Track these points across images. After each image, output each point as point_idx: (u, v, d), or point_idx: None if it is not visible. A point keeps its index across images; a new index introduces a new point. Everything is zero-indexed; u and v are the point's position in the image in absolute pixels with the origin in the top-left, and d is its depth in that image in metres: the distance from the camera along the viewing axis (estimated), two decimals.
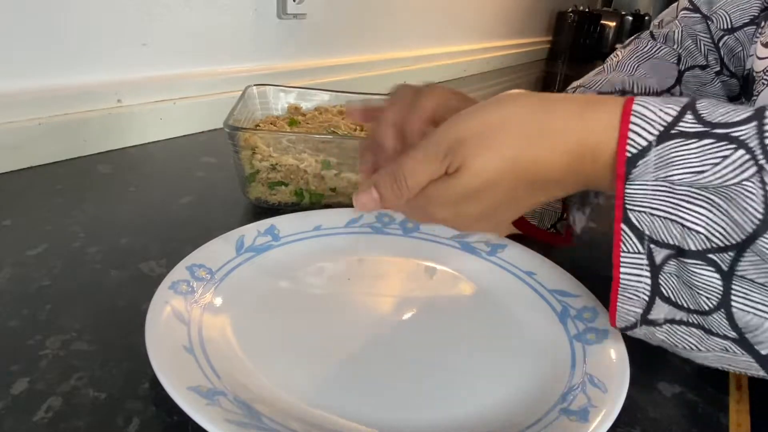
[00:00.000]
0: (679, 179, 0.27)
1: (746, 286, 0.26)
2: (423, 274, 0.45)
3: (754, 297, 0.26)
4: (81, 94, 0.63)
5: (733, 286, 0.26)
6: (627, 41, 0.59)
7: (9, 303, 0.37)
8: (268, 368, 0.32)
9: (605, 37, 2.14)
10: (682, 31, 0.54)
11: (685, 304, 0.28)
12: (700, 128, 0.26)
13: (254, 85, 0.63)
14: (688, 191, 0.27)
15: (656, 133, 0.27)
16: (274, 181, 0.52)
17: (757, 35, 0.47)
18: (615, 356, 0.34)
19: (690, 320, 0.29)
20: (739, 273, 0.26)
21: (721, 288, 0.27)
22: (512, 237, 0.48)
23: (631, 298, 0.29)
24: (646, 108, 0.28)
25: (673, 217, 0.27)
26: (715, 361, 0.30)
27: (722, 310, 0.27)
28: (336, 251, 0.46)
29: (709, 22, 0.53)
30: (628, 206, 0.28)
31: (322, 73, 0.97)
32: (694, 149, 0.26)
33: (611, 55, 0.57)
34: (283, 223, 0.47)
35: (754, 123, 0.26)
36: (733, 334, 0.27)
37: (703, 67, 0.53)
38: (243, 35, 0.83)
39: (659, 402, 0.34)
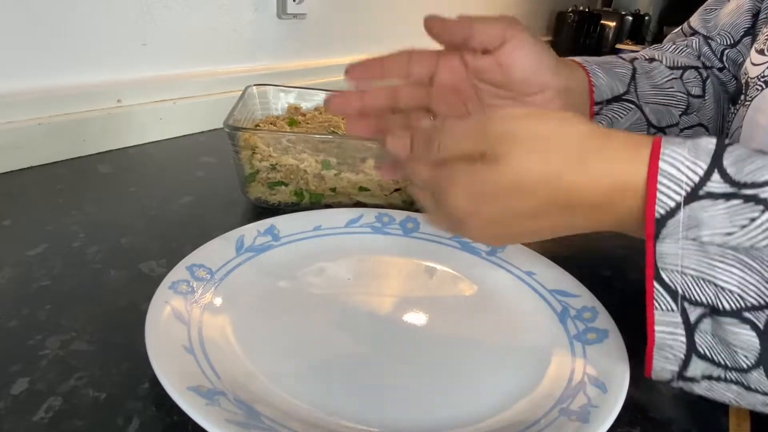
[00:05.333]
0: (708, 240, 0.26)
1: None
2: (423, 274, 0.45)
3: None
4: (81, 94, 0.63)
5: None
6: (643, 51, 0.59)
7: (9, 303, 0.37)
8: (268, 368, 0.32)
9: (605, 37, 2.14)
10: (698, 41, 0.56)
11: (722, 362, 0.28)
12: (727, 188, 0.26)
13: (254, 85, 0.63)
14: (720, 251, 0.26)
15: (684, 193, 0.27)
16: (274, 181, 0.52)
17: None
18: (615, 356, 0.34)
19: (729, 377, 0.28)
20: None
21: (758, 346, 0.26)
22: None
23: (667, 357, 0.29)
24: (674, 166, 0.27)
25: (706, 276, 0.27)
26: (759, 405, 0.29)
27: (761, 367, 0.27)
28: (336, 251, 0.46)
29: (711, 41, 0.55)
30: (659, 265, 0.28)
31: (322, 73, 0.97)
32: (723, 210, 0.26)
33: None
34: (283, 223, 0.47)
35: None
36: None
37: (720, 69, 0.55)
38: (243, 35, 0.83)
39: (659, 402, 0.34)
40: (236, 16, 0.80)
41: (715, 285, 0.27)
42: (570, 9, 2.09)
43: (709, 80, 0.53)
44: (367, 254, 0.46)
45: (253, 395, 0.30)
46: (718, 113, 0.54)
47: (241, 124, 0.54)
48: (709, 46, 0.55)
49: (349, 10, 1.02)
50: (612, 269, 0.48)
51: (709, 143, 0.28)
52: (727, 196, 0.26)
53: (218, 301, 0.37)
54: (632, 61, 0.51)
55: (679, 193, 0.27)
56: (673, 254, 0.27)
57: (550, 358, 0.36)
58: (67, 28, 0.61)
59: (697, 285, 0.27)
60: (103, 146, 0.66)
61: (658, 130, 0.51)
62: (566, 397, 0.32)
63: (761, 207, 0.25)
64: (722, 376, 0.28)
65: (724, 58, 0.54)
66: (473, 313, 0.41)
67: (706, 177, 0.27)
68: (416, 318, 0.39)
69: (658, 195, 0.27)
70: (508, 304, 0.42)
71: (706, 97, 0.53)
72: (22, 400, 0.29)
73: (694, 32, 0.57)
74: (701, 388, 0.30)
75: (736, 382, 0.28)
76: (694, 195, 0.27)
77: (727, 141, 0.28)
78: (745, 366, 0.27)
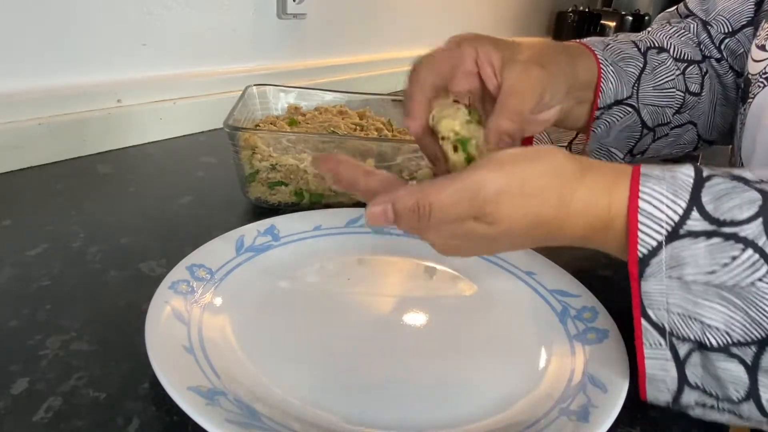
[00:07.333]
0: (692, 279, 0.27)
1: None
2: (423, 274, 0.45)
3: None
4: (81, 94, 0.63)
5: (760, 379, 0.26)
6: (649, 28, 0.58)
7: (9, 303, 0.37)
8: (268, 368, 0.32)
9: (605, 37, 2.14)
10: (695, 26, 0.55)
11: (714, 393, 0.28)
12: (707, 226, 0.26)
13: (254, 85, 0.63)
14: (704, 289, 0.27)
15: (665, 233, 0.27)
16: (274, 181, 0.52)
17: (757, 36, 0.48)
18: (615, 356, 0.34)
19: (721, 407, 0.29)
20: (764, 367, 0.26)
21: (748, 380, 0.27)
22: None
23: (659, 388, 0.30)
24: (653, 205, 0.27)
25: (692, 314, 0.27)
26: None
27: (751, 400, 0.27)
28: (336, 251, 0.46)
29: (709, 27, 0.54)
30: (645, 303, 0.28)
31: (322, 73, 0.97)
32: (704, 249, 0.26)
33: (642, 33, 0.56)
34: (283, 223, 0.47)
35: (759, 220, 0.25)
36: (765, 419, 0.27)
37: (718, 60, 0.54)
38: (243, 35, 0.83)
39: None
40: (236, 16, 0.80)
41: (701, 322, 0.27)
42: (570, 9, 2.09)
43: (707, 75, 0.53)
44: (367, 254, 0.46)
45: (253, 395, 0.30)
46: (711, 109, 0.54)
47: (241, 124, 0.54)
48: (708, 33, 0.54)
49: (349, 10, 1.02)
50: (612, 269, 0.48)
51: (687, 176, 0.28)
52: (707, 234, 0.26)
53: (218, 301, 0.37)
54: (646, 52, 0.51)
55: (660, 233, 0.27)
56: (658, 293, 0.28)
57: (550, 358, 0.36)
58: (67, 28, 0.61)
59: (684, 322, 0.27)
60: (103, 146, 0.66)
61: (649, 130, 0.51)
62: (566, 397, 0.32)
63: (741, 245, 0.26)
64: (715, 405, 0.29)
65: (723, 47, 0.53)
66: (473, 313, 0.41)
67: (686, 215, 0.27)
68: (416, 318, 0.39)
69: (640, 235, 0.27)
70: (508, 304, 0.42)
71: (702, 95, 0.52)
72: (22, 400, 0.29)
73: (690, 14, 0.56)
74: (696, 414, 0.30)
75: (729, 412, 0.29)
76: (675, 234, 0.27)
77: (704, 170, 0.28)
78: (735, 399, 0.28)
